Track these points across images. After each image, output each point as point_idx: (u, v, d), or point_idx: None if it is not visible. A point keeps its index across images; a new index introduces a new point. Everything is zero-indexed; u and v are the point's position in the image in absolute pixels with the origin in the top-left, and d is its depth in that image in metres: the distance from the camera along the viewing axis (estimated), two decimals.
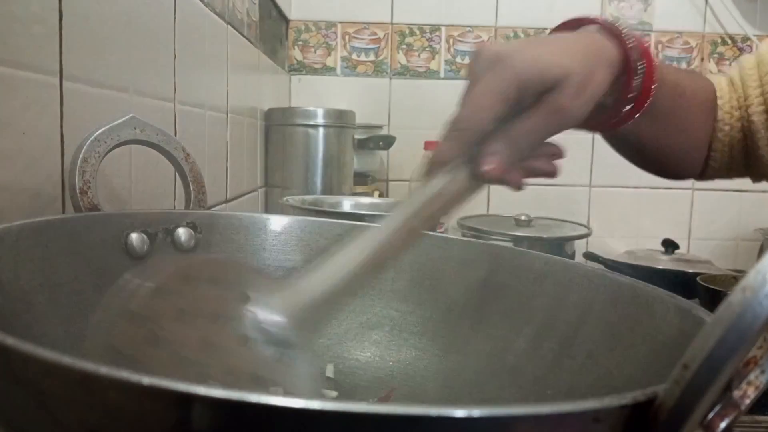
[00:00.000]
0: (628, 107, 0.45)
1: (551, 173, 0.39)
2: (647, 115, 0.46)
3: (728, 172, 0.59)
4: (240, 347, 0.29)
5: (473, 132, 0.36)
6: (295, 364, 0.29)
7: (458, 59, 1.41)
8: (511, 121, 0.36)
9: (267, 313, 0.30)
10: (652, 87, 0.44)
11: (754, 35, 1.40)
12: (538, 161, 0.39)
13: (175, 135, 0.65)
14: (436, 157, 0.37)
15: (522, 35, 1.40)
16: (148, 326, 0.27)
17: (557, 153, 0.39)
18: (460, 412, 0.16)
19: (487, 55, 0.37)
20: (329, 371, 0.43)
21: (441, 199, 0.36)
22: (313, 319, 0.33)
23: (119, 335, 0.27)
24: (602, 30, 0.42)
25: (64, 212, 0.44)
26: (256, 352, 0.29)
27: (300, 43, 1.42)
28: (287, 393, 0.29)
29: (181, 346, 0.28)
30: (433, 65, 1.42)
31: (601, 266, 1.07)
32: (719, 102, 0.56)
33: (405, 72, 1.43)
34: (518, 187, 0.38)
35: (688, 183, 1.44)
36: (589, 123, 0.44)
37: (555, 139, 0.38)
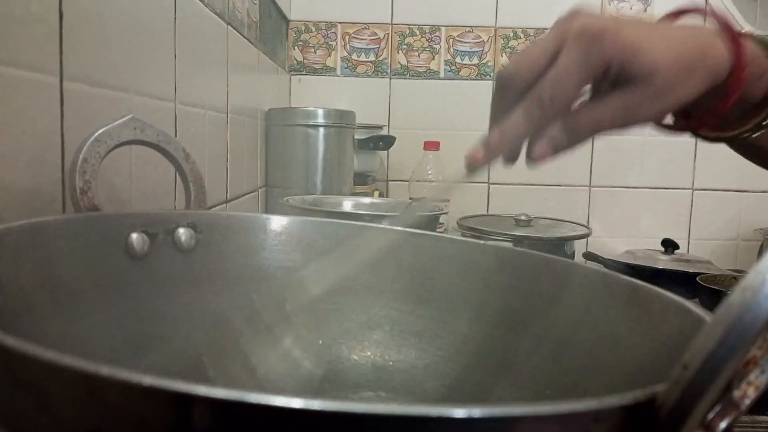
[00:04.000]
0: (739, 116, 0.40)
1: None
2: None
3: None
4: None
5: (556, 106, 0.34)
6: None
7: (458, 59, 1.41)
8: (581, 105, 0.35)
9: None
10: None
11: None
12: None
13: (175, 135, 0.65)
14: (508, 131, 0.35)
15: (522, 35, 1.40)
16: None
17: None
18: (460, 412, 0.16)
19: (582, 24, 0.34)
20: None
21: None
22: None
23: None
24: (715, 25, 0.38)
25: (64, 212, 0.44)
26: None
27: (300, 43, 1.42)
28: None
29: None
30: (433, 65, 1.42)
31: (601, 266, 1.07)
32: None
33: (405, 72, 1.43)
34: (537, 161, 0.36)
35: (688, 183, 1.44)
36: (679, 124, 0.40)
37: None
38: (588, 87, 0.37)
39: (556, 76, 0.34)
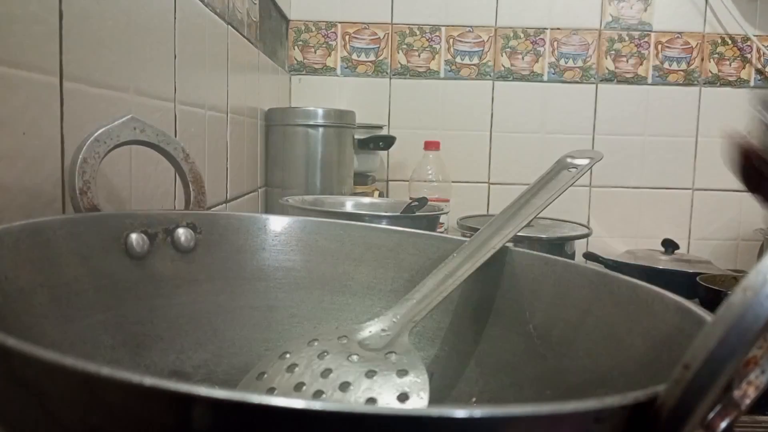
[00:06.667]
0: None
1: None
2: None
3: None
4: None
5: None
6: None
7: (458, 59, 1.41)
8: None
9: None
10: None
11: (754, 35, 1.40)
12: None
13: (175, 135, 0.65)
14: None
15: (522, 35, 1.40)
16: None
17: None
18: (460, 412, 0.16)
19: None
20: None
21: None
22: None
23: None
24: None
25: (64, 212, 0.44)
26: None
27: (300, 43, 1.42)
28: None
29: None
30: (433, 65, 1.42)
31: (601, 266, 1.07)
32: None
33: (405, 72, 1.43)
34: None
35: (689, 183, 1.44)
36: None
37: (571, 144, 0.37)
38: None
39: None
